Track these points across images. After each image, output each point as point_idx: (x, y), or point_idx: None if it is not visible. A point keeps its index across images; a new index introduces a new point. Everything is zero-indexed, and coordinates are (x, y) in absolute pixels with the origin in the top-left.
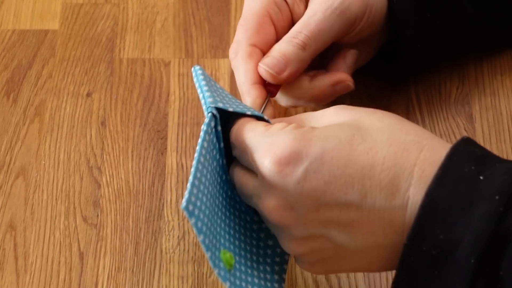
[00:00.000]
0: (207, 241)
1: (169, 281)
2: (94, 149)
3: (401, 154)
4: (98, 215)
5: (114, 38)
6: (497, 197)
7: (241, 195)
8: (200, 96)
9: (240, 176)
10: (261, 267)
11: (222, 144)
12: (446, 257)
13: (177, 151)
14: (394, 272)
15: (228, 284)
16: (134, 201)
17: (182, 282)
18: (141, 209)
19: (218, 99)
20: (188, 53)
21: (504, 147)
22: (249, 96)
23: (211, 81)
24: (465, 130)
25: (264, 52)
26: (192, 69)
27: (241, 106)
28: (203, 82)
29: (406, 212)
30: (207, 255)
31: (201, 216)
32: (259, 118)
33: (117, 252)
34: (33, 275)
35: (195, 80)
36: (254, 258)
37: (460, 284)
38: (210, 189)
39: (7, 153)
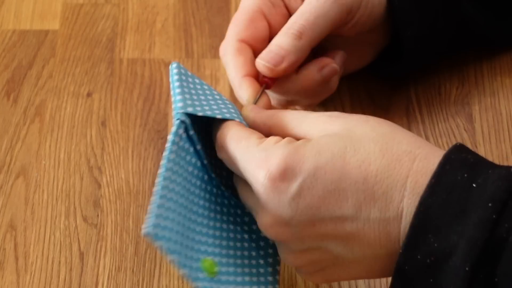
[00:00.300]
0: (182, 259)
1: (169, 281)
2: (94, 149)
3: (394, 165)
4: (98, 215)
5: (114, 38)
6: (490, 204)
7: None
8: (172, 99)
9: (240, 188)
10: (254, 269)
11: (198, 146)
12: (441, 265)
13: None
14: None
15: None
16: (134, 201)
17: (182, 282)
18: (141, 209)
19: (189, 102)
20: (188, 53)
21: (504, 147)
22: (240, 89)
23: (189, 78)
24: (465, 130)
25: (254, 47)
26: (170, 66)
27: (217, 107)
28: (176, 83)
29: (401, 223)
30: (184, 271)
31: (169, 235)
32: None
33: (117, 252)
34: (34, 275)
35: (170, 79)
36: (246, 261)
37: None
38: (180, 201)
39: (7, 153)
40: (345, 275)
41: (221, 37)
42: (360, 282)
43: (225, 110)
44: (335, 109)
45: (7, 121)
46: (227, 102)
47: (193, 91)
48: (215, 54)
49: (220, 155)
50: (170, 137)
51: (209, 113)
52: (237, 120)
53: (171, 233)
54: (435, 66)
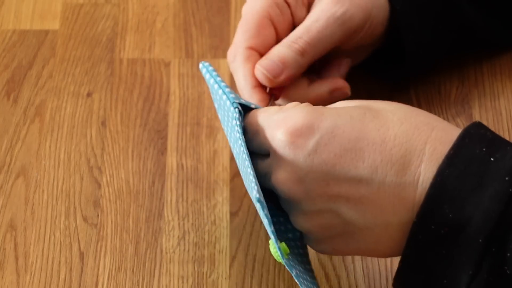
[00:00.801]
0: (275, 230)
1: (169, 281)
2: (94, 149)
3: (413, 132)
4: (98, 215)
5: (114, 38)
6: (507, 178)
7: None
8: (217, 91)
9: (254, 160)
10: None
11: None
12: (454, 236)
13: (177, 151)
14: (394, 273)
15: (293, 271)
16: (134, 201)
17: (182, 282)
18: (141, 209)
19: (236, 94)
20: (188, 53)
21: None
22: (252, 100)
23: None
24: None
25: (262, 55)
26: (201, 65)
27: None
28: (219, 78)
29: (416, 189)
30: (276, 245)
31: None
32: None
33: (117, 252)
34: (34, 275)
35: (208, 75)
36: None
37: (467, 263)
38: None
39: (7, 153)
40: (353, 246)
41: (221, 37)
42: (360, 282)
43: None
44: None
45: (7, 121)
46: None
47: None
48: (215, 54)
49: (246, 136)
50: (236, 122)
51: (253, 106)
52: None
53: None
54: (435, 66)
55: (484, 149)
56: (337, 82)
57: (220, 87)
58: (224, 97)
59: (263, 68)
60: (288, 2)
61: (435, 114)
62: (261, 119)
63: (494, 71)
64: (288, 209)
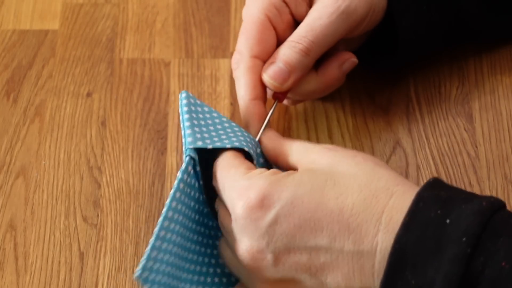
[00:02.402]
0: None
1: None
2: (94, 149)
3: (370, 200)
4: (98, 215)
5: (114, 38)
6: (464, 239)
7: (223, 231)
8: (182, 131)
9: (220, 213)
10: None
11: (201, 181)
12: None
13: (177, 151)
14: None
15: None
16: (134, 201)
17: None
18: (141, 209)
19: (199, 136)
20: (188, 53)
21: (504, 146)
22: (248, 113)
23: (198, 107)
24: (465, 130)
25: (264, 60)
26: (179, 95)
27: (227, 137)
28: (186, 116)
29: (375, 258)
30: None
31: (161, 278)
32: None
33: (117, 252)
34: (33, 275)
35: (179, 109)
36: None
37: None
38: (179, 241)
39: (7, 153)
40: None
41: (221, 37)
42: None
43: (234, 139)
44: (335, 109)
45: (7, 121)
46: (234, 125)
47: (202, 122)
48: (215, 54)
49: (213, 182)
50: (179, 175)
51: (218, 144)
52: (245, 147)
53: (163, 276)
54: (435, 65)
55: (438, 212)
56: (341, 55)
57: (183, 127)
58: (183, 140)
59: (269, 77)
60: (286, 1)
61: (435, 113)
62: (226, 179)
63: (494, 71)
64: (248, 278)
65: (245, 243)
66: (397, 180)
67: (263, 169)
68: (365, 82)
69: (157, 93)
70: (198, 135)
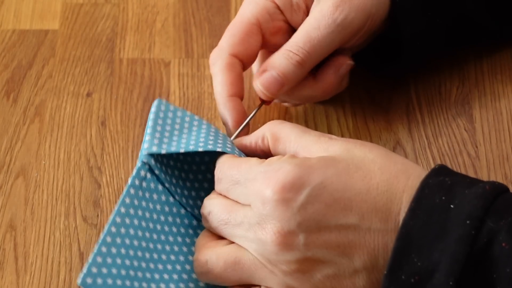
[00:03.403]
0: None
1: None
2: (94, 149)
3: (392, 181)
4: (98, 215)
5: (114, 38)
6: (468, 222)
7: (219, 226)
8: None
9: (224, 205)
10: None
11: (167, 184)
12: (425, 283)
13: None
14: None
15: None
16: None
17: None
18: None
19: (156, 142)
20: (188, 53)
21: (504, 146)
22: (225, 109)
23: (169, 112)
24: (465, 130)
25: (244, 62)
26: (156, 102)
27: (195, 140)
28: (150, 123)
29: (388, 246)
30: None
31: (110, 281)
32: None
33: None
34: (33, 275)
35: (151, 115)
36: None
37: None
38: (136, 243)
39: (7, 153)
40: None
41: (221, 37)
42: None
43: (220, 143)
44: (335, 109)
45: (7, 121)
46: (219, 133)
47: (168, 127)
48: None
49: (219, 186)
50: (129, 180)
51: (173, 149)
52: (213, 149)
53: (112, 278)
54: (435, 65)
55: (443, 197)
56: (337, 59)
57: (145, 134)
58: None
59: (262, 86)
60: (280, 9)
61: (435, 114)
62: (243, 171)
63: (494, 71)
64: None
65: (275, 225)
66: (410, 163)
67: (278, 156)
68: (365, 82)
69: (157, 93)
70: (156, 141)
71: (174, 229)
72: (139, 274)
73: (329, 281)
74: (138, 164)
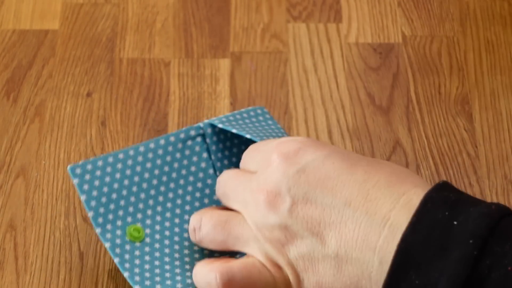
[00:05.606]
0: (97, 214)
1: None
2: (94, 149)
3: (395, 183)
4: None
5: (114, 38)
6: (471, 241)
7: (226, 191)
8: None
9: (236, 173)
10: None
11: (213, 156)
12: None
13: None
14: None
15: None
16: None
17: None
18: None
19: (224, 120)
20: (188, 53)
21: (504, 147)
22: None
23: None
24: (465, 130)
25: None
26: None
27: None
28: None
29: (382, 232)
30: (96, 230)
31: (93, 182)
32: None
33: None
34: (33, 275)
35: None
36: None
37: None
38: (129, 173)
39: (7, 153)
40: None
41: (221, 37)
42: None
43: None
44: (335, 109)
45: (7, 121)
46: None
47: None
48: (215, 54)
49: (241, 164)
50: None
51: (234, 131)
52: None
53: (97, 183)
54: (434, 65)
55: (446, 213)
56: None
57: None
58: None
59: None
60: None
61: (435, 114)
62: (258, 144)
63: (494, 71)
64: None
65: (269, 185)
66: (417, 175)
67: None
68: (365, 82)
69: (157, 93)
70: (224, 119)
71: (198, 194)
72: (132, 199)
73: (302, 261)
74: (194, 126)
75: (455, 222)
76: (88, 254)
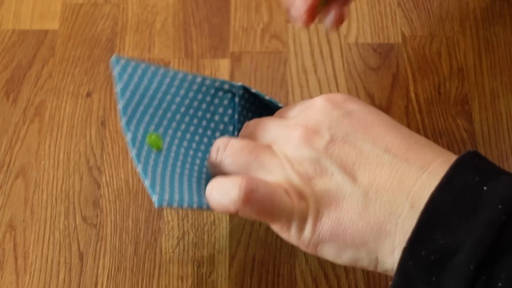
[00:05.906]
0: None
1: (169, 281)
2: (94, 149)
3: (435, 146)
4: (98, 215)
5: (114, 38)
6: (500, 206)
7: (262, 129)
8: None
9: (278, 118)
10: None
11: (236, 115)
12: (445, 263)
13: None
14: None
15: (140, 166)
16: (134, 201)
17: (182, 282)
18: (141, 209)
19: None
20: (188, 53)
21: (504, 147)
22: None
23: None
24: (465, 130)
25: None
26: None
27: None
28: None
29: (419, 179)
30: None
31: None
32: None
33: (117, 252)
34: (33, 275)
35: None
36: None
37: None
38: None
39: (7, 153)
40: (345, 215)
41: (221, 37)
42: (360, 282)
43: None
44: None
45: (7, 121)
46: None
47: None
48: (215, 54)
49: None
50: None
51: (261, 94)
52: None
53: (135, 80)
54: (434, 65)
55: (477, 178)
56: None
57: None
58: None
59: (296, 19)
60: None
61: (435, 114)
62: (296, 105)
63: (494, 71)
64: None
65: (309, 122)
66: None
67: None
68: (365, 82)
69: None
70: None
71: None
72: (160, 112)
73: (327, 196)
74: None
75: (485, 188)
76: (88, 254)
